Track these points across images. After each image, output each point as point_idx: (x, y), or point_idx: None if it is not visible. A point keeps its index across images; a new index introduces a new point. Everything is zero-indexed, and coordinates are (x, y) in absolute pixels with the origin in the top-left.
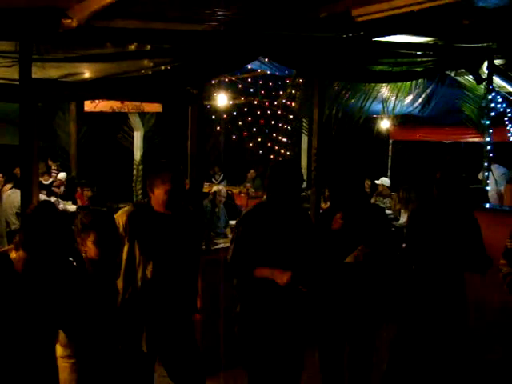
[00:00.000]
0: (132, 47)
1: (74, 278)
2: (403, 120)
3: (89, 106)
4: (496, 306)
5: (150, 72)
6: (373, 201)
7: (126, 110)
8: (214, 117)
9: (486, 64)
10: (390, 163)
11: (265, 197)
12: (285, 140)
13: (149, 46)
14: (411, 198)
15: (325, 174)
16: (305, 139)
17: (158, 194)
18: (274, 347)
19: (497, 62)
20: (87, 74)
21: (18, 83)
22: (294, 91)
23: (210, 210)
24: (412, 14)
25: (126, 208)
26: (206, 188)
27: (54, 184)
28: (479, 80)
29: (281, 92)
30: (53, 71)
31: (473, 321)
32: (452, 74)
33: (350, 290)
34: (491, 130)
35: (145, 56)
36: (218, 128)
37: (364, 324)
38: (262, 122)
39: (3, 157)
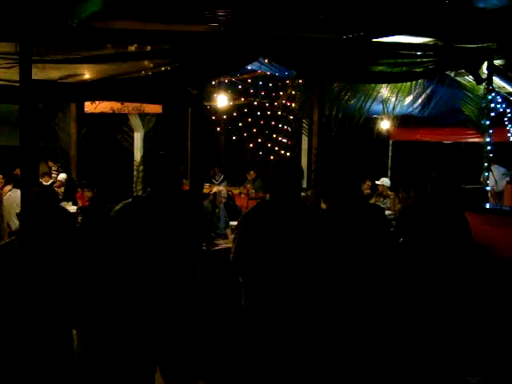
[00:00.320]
0: (132, 48)
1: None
2: (403, 120)
3: (89, 106)
4: None
5: (150, 73)
6: (373, 201)
7: (126, 111)
8: (214, 117)
9: (485, 64)
10: (390, 163)
11: (267, 196)
12: (285, 141)
13: (149, 47)
14: (410, 197)
15: (324, 174)
16: (305, 140)
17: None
18: (277, 346)
19: (496, 62)
20: (87, 75)
21: (18, 84)
22: (294, 92)
23: (210, 210)
24: (412, 14)
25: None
26: (206, 189)
27: (55, 185)
28: (479, 80)
29: (281, 93)
30: (53, 72)
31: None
32: (452, 75)
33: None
34: (491, 131)
35: (145, 57)
36: (218, 129)
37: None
38: (262, 122)
39: (3, 158)
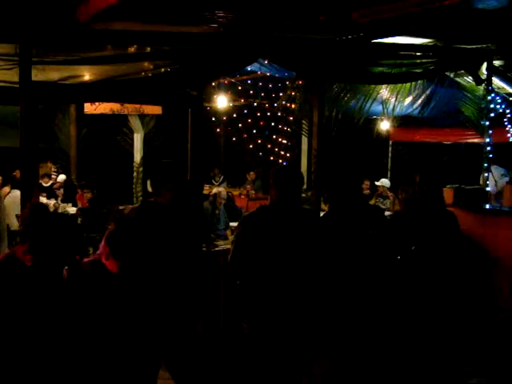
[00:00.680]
0: (132, 49)
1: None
2: (403, 121)
3: (89, 108)
4: None
5: (150, 74)
6: (373, 202)
7: (126, 112)
8: (213, 119)
9: (485, 65)
10: (389, 164)
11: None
12: (285, 142)
13: (148, 49)
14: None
15: (325, 175)
16: (305, 141)
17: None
18: (276, 349)
19: (496, 63)
20: (87, 77)
21: (18, 86)
22: (293, 93)
23: (210, 212)
24: (411, 15)
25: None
26: (206, 190)
27: (54, 186)
28: (478, 81)
29: (281, 94)
30: (53, 74)
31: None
32: (451, 75)
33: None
34: (491, 131)
35: (145, 58)
36: (218, 130)
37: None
38: (261, 123)
39: (3, 159)
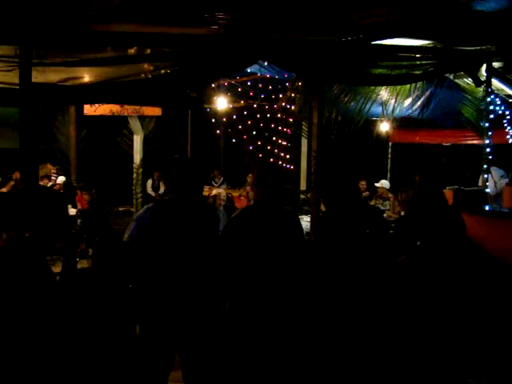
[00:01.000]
0: (132, 51)
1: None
2: (403, 122)
3: (88, 109)
4: None
5: (150, 76)
6: (372, 203)
7: (126, 114)
8: (213, 120)
9: (484, 67)
10: (389, 166)
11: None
12: (284, 143)
13: (148, 50)
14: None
15: (324, 176)
16: (304, 142)
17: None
18: (260, 350)
19: (495, 64)
20: (87, 78)
21: (18, 87)
22: (293, 94)
23: None
24: (411, 17)
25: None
26: (205, 191)
27: (54, 188)
28: (478, 83)
29: (280, 95)
30: (53, 75)
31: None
32: (451, 77)
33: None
34: (490, 133)
35: (144, 60)
36: (218, 131)
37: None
38: (261, 125)
39: (3, 160)
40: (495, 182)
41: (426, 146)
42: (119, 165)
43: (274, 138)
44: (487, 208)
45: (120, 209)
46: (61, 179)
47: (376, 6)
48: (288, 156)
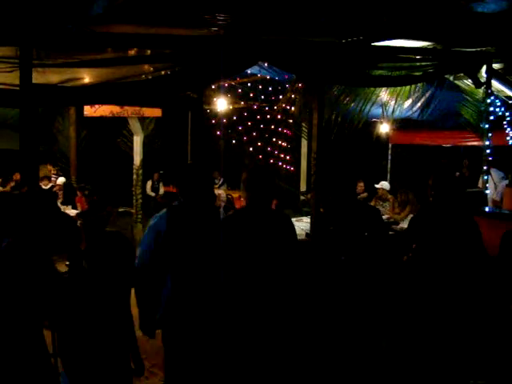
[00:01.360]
0: (132, 52)
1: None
2: (402, 124)
3: (88, 110)
4: None
5: (150, 77)
6: (372, 204)
7: (126, 115)
8: (213, 121)
9: (484, 68)
10: (389, 167)
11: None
12: (284, 144)
13: (149, 51)
14: (409, 199)
15: (324, 178)
16: (304, 143)
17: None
18: (257, 351)
19: (495, 66)
20: (87, 79)
21: (18, 88)
22: (293, 96)
23: None
24: (411, 18)
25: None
26: None
27: (54, 189)
28: (478, 84)
29: (280, 96)
30: (53, 76)
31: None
32: (451, 78)
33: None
34: (490, 134)
35: (145, 61)
36: (218, 132)
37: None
38: (261, 126)
39: (3, 161)
40: (495, 184)
41: (425, 147)
42: (119, 166)
43: (274, 139)
44: (487, 210)
45: (120, 210)
46: (61, 180)
47: (376, 7)
48: (288, 157)
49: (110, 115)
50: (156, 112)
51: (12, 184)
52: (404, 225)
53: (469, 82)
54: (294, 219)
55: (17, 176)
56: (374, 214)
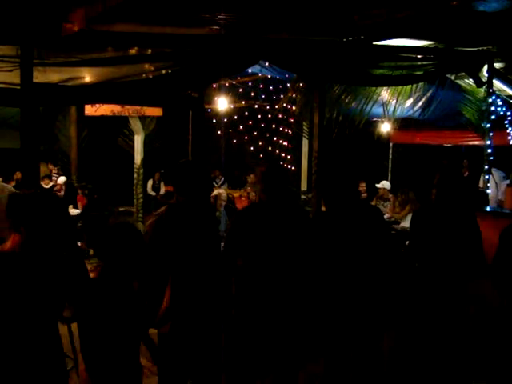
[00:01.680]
0: (133, 51)
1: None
2: (404, 123)
3: (89, 109)
4: None
5: (151, 76)
6: (373, 204)
7: (127, 114)
8: (214, 120)
9: (485, 67)
10: (390, 166)
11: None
12: (285, 143)
13: (150, 50)
14: (410, 199)
15: (325, 177)
16: (305, 142)
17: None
18: (268, 347)
19: (497, 65)
20: (88, 79)
21: (19, 87)
22: (294, 95)
23: None
24: (412, 18)
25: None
26: None
27: (55, 188)
28: (479, 83)
29: (281, 96)
30: (54, 75)
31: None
32: (452, 78)
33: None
34: (491, 133)
35: (145, 60)
36: (219, 132)
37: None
38: (262, 125)
39: (4, 161)
40: (496, 183)
41: (427, 146)
42: (120, 165)
43: (275, 139)
44: (488, 209)
45: (121, 209)
46: (62, 179)
47: (377, 6)
48: (289, 156)
49: (111, 114)
50: (157, 111)
51: (13, 183)
52: (404, 224)
53: (470, 81)
54: None
55: (18, 175)
56: (377, 213)
